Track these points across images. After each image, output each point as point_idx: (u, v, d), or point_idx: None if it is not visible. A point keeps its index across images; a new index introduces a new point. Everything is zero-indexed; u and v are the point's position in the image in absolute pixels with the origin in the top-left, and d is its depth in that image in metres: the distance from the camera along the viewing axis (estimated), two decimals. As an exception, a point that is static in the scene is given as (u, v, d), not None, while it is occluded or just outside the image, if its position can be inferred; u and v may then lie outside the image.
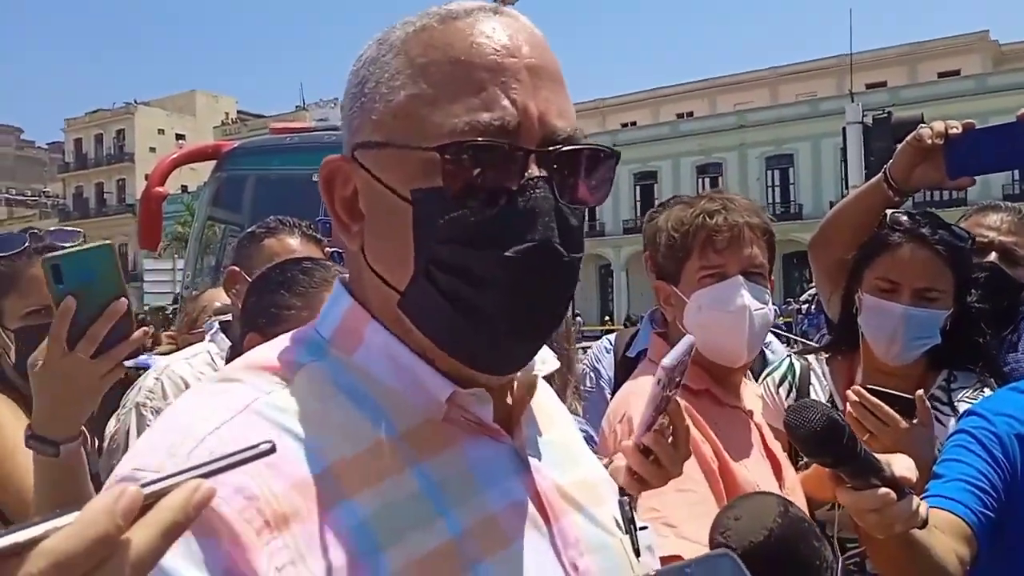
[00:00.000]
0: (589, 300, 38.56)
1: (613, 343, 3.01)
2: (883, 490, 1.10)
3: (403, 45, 0.74)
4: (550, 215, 0.70)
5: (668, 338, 1.72)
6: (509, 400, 0.80)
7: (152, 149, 52.92)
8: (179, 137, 53.63)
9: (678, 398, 1.53)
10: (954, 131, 1.83)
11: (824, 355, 2.03)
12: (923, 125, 1.91)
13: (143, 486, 0.48)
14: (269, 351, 0.77)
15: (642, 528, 0.89)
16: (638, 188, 40.04)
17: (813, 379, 1.99)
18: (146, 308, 9.16)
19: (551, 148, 0.72)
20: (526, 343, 0.76)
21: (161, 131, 57.87)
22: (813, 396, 1.96)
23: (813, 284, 2.24)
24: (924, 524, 1.17)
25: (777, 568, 0.85)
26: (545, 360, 0.83)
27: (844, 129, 10.21)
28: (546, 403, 0.88)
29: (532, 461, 0.78)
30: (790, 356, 2.08)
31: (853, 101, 12.48)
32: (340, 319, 0.77)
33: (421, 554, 0.67)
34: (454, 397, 0.73)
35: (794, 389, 1.97)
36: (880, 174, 1.98)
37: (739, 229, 1.60)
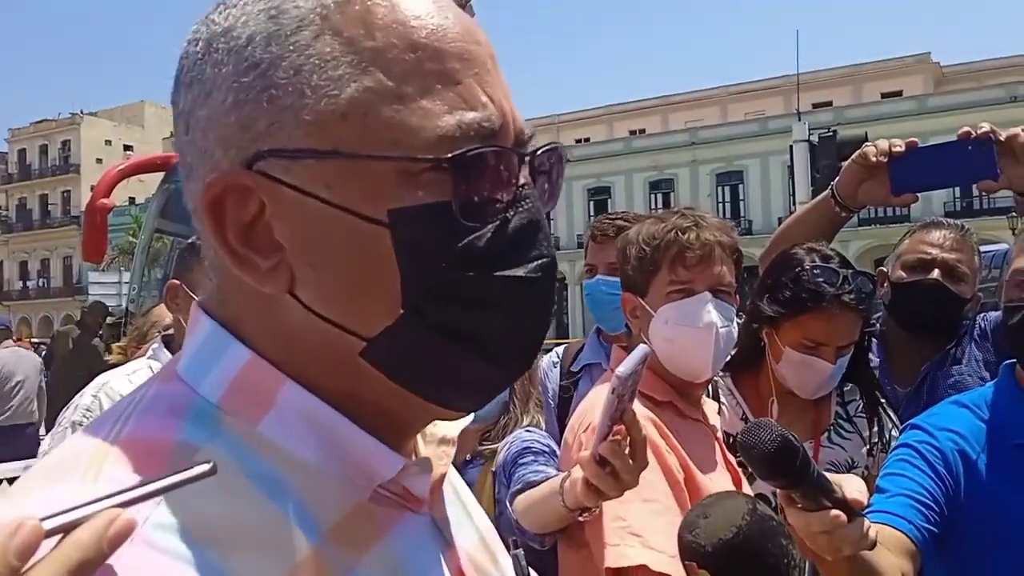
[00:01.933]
0: (544, 314, 38.53)
1: (560, 356, 3.01)
2: (834, 512, 1.09)
3: (325, 22, 0.57)
4: (546, 225, 0.62)
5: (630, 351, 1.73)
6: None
7: (99, 160, 51.74)
8: (127, 148, 52.51)
9: (638, 407, 1.55)
10: (897, 149, 1.89)
11: (725, 374, 2.07)
12: (867, 144, 1.96)
13: (44, 519, 0.40)
14: (142, 428, 0.57)
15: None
16: (592, 203, 40.32)
17: (722, 396, 2.03)
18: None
19: (532, 151, 0.62)
20: (517, 370, 0.66)
21: (108, 142, 56.61)
22: (723, 411, 1.99)
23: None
24: (873, 546, 1.17)
25: (746, 565, 0.85)
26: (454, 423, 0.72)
27: (791, 147, 10.45)
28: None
29: (448, 534, 0.68)
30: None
31: (800, 120, 12.76)
32: (234, 376, 0.59)
33: None
34: (398, 474, 0.60)
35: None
36: (827, 191, 2.03)
37: (710, 247, 1.62)
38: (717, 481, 1.57)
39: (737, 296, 1.71)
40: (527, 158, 0.62)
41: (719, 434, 1.76)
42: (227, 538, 0.52)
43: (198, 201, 0.59)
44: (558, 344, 3.33)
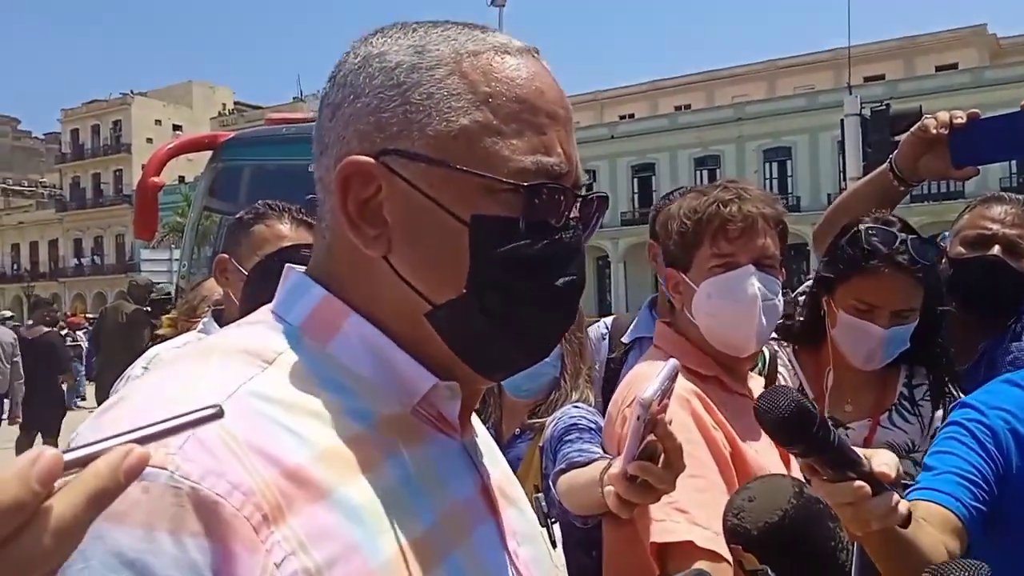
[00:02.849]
0: (587, 292, 38.05)
1: (609, 327, 2.98)
2: (857, 483, 1.08)
3: (456, 65, 0.76)
4: (583, 252, 0.80)
5: (674, 326, 1.72)
6: None
7: (149, 140, 52.74)
8: (176, 128, 53.47)
9: (683, 383, 1.54)
10: (959, 121, 1.83)
11: (788, 345, 2.04)
12: (927, 116, 1.90)
13: (65, 451, 0.45)
14: (242, 335, 0.76)
15: (553, 522, 0.93)
16: (636, 180, 40.01)
17: (780, 367, 2.01)
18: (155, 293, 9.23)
19: (584, 195, 0.80)
20: (537, 358, 0.83)
21: (158, 122, 57.68)
22: (781, 381, 1.98)
23: (810, 277, 2.25)
24: (906, 522, 1.15)
25: (792, 549, 0.84)
26: None
27: (842, 122, 10.20)
28: None
29: (476, 458, 0.83)
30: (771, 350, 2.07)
31: (851, 94, 12.44)
32: (312, 309, 0.77)
33: (408, 542, 0.69)
34: (431, 390, 0.76)
35: (762, 376, 1.97)
36: (885, 164, 1.98)
37: (753, 219, 1.59)
38: (764, 456, 1.55)
39: (783, 270, 1.68)
40: (580, 199, 0.80)
41: None
42: (300, 411, 0.68)
43: (328, 174, 0.77)
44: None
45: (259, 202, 2.35)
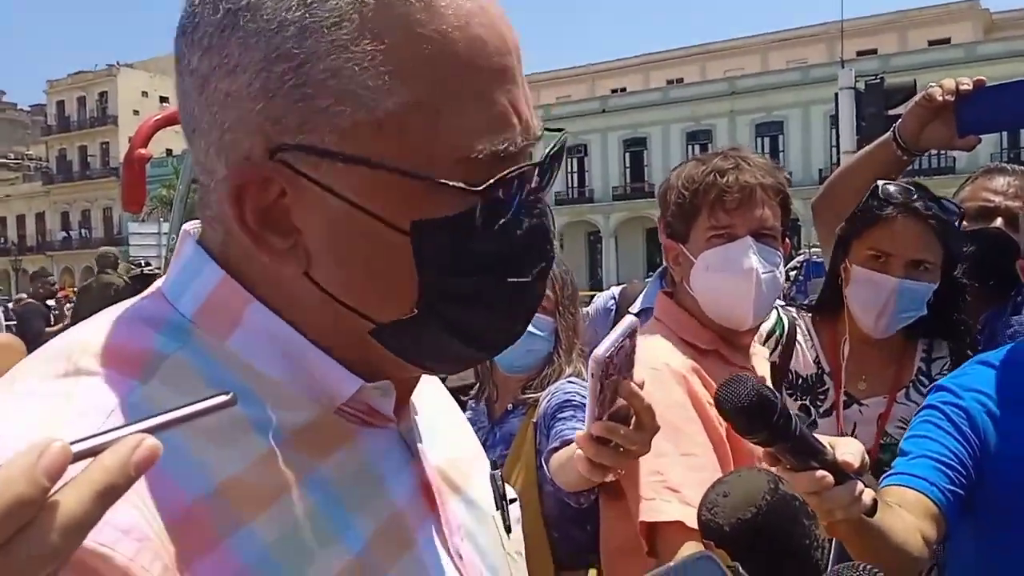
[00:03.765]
0: (578, 267, 38.54)
1: (617, 297, 2.96)
2: (819, 473, 1.06)
3: (362, 19, 0.57)
4: (551, 226, 0.66)
5: (675, 298, 1.70)
6: None
7: (135, 112, 52.21)
8: (163, 100, 52.87)
9: (680, 358, 1.51)
10: (965, 88, 1.80)
11: (808, 314, 2.02)
12: (932, 84, 1.88)
13: (73, 443, 0.41)
14: (119, 334, 0.61)
15: (512, 501, 0.87)
16: (627, 155, 39.89)
17: (799, 335, 1.98)
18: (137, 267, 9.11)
19: (544, 158, 0.65)
20: (501, 350, 0.71)
21: (145, 93, 57.00)
22: (799, 352, 1.96)
23: (801, 252, 2.23)
24: (871, 511, 1.13)
25: (765, 546, 0.83)
26: None
27: (836, 95, 10.16)
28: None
29: (415, 446, 0.72)
30: (778, 309, 2.04)
31: (844, 67, 12.39)
32: (208, 295, 0.63)
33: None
34: (358, 393, 0.64)
35: (781, 344, 1.96)
36: (888, 134, 1.96)
37: (751, 189, 1.55)
38: None
39: (785, 241, 1.65)
40: (540, 165, 0.65)
41: (767, 382, 1.73)
42: (195, 431, 0.52)
43: (209, 161, 0.61)
44: (592, 296, 3.30)
45: None
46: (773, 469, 1.11)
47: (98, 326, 0.62)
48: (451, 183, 0.58)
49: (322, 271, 0.61)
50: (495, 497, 0.83)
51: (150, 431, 0.44)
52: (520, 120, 0.62)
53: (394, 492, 0.68)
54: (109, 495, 0.41)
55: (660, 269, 2.85)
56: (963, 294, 1.92)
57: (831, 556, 0.78)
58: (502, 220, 0.61)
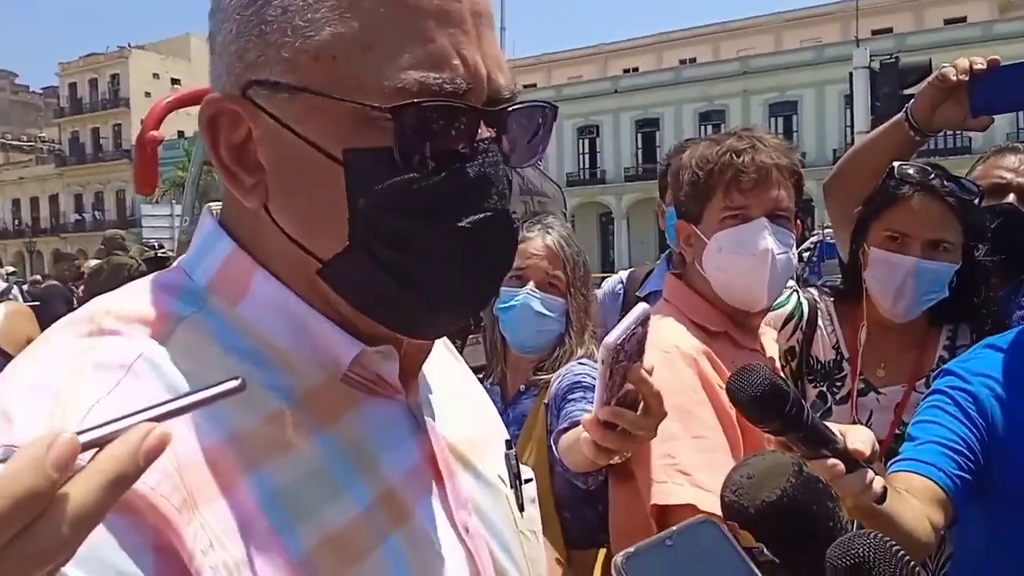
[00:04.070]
0: (590, 248, 38.27)
1: (625, 281, 2.96)
2: (831, 461, 1.07)
3: None
4: (501, 181, 0.65)
5: (685, 279, 1.69)
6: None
7: (147, 94, 52.21)
8: (174, 81, 52.87)
9: (689, 340, 1.51)
10: (979, 67, 1.79)
11: (830, 297, 2.00)
12: (946, 64, 1.86)
13: (80, 433, 0.42)
14: (139, 299, 0.65)
15: (527, 480, 0.88)
16: (640, 135, 39.66)
17: (820, 320, 1.96)
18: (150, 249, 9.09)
19: (500, 108, 0.66)
20: (467, 313, 0.73)
21: (156, 75, 57.01)
22: (820, 336, 1.95)
23: (815, 233, 2.22)
24: (881, 499, 1.14)
25: (789, 528, 0.84)
26: None
27: (851, 74, 10.07)
28: (434, 354, 0.80)
29: (424, 419, 0.74)
30: (796, 292, 2.03)
31: (859, 47, 12.26)
32: (220, 265, 0.68)
33: (334, 530, 0.62)
34: (359, 357, 0.66)
35: (800, 329, 1.94)
36: (901, 115, 1.94)
37: (767, 170, 1.54)
38: None
39: (798, 223, 1.64)
40: (493, 115, 0.65)
41: (777, 365, 1.73)
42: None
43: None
44: (604, 277, 3.30)
45: None
46: None
47: (121, 293, 0.67)
48: (371, 104, 0.60)
49: (275, 204, 0.65)
50: (509, 476, 0.83)
51: (158, 419, 0.44)
52: (466, 65, 0.63)
53: (396, 460, 0.69)
54: (119, 484, 0.42)
55: (667, 252, 2.84)
56: (987, 275, 1.89)
57: None
58: (425, 158, 0.62)
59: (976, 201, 1.81)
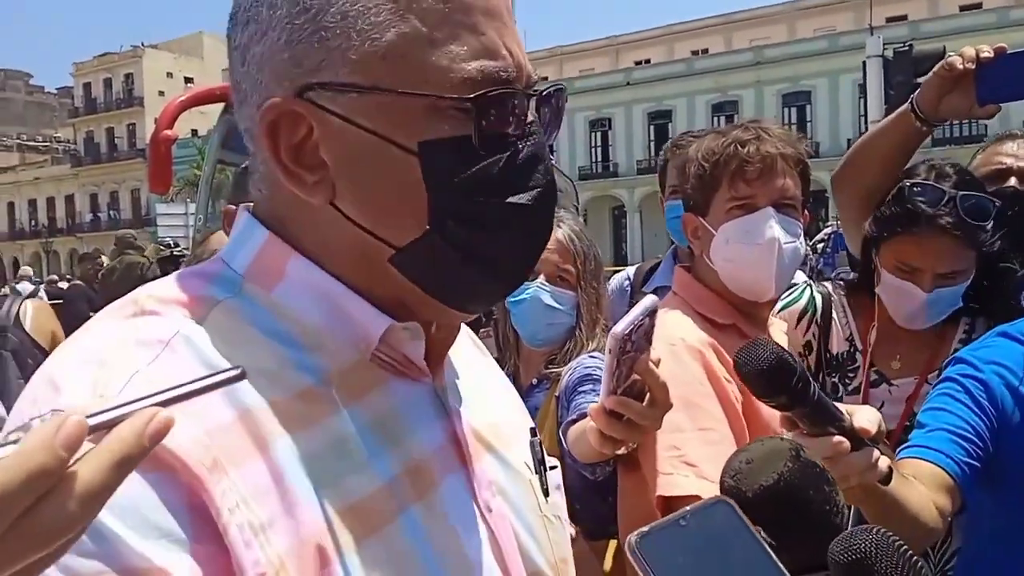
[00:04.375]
0: (602, 242, 38.21)
1: (632, 277, 2.97)
2: (836, 439, 1.07)
3: None
4: (547, 157, 0.72)
5: (694, 272, 1.69)
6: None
7: (161, 93, 52.51)
8: (187, 80, 53.14)
9: (695, 332, 1.52)
10: (985, 55, 1.77)
11: (843, 290, 2.00)
12: (951, 54, 1.84)
13: (89, 416, 0.44)
14: (179, 285, 0.70)
15: (552, 468, 0.90)
16: (652, 127, 39.50)
17: (835, 313, 1.96)
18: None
19: (539, 92, 0.73)
20: (520, 281, 0.78)
21: (170, 74, 57.34)
22: (835, 330, 1.94)
23: (829, 224, 2.20)
24: (887, 479, 1.14)
25: (787, 511, 0.85)
26: None
27: (864, 63, 9.99)
28: (460, 341, 0.84)
29: (450, 403, 0.77)
30: (809, 286, 2.02)
31: (873, 35, 12.16)
32: (255, 253, 0.72)
33: (357, 499, 0.65)
34: (387, 333, 0.70)
35: (815, 323, 1.93)
36: (906, 105, 1.92)
37: (772, 160, 1.54)
38: None
39: (806, 212, 1.64)
40: (534, 98, 0.72)
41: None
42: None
43: (253, 124, 0.69)
44: (616, 271, 3.30)
45: None
46: (790, 434, 1.12)
47: (163, 281, 0.72)
48: (449, 96, 0.65)
49: (345, 199, 0.68)
50: (534, 462, 0.86)
51: (163, 405, 0.46)
52: (511, 56, 0.69)
53: (422, 439, 0.73)
54: (126, 465, 0.44)
55: (673, 247, 2.84)
56: (996, 265, 1.87)
57: (851, 522, 0.80)
58: (498, 141, 0.67)
59: (993, 214, 1.76)
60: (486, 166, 0.67)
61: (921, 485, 1.32)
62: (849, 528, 0.72)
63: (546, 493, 0.86)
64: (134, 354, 0.62)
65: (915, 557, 0.66)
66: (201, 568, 0.56)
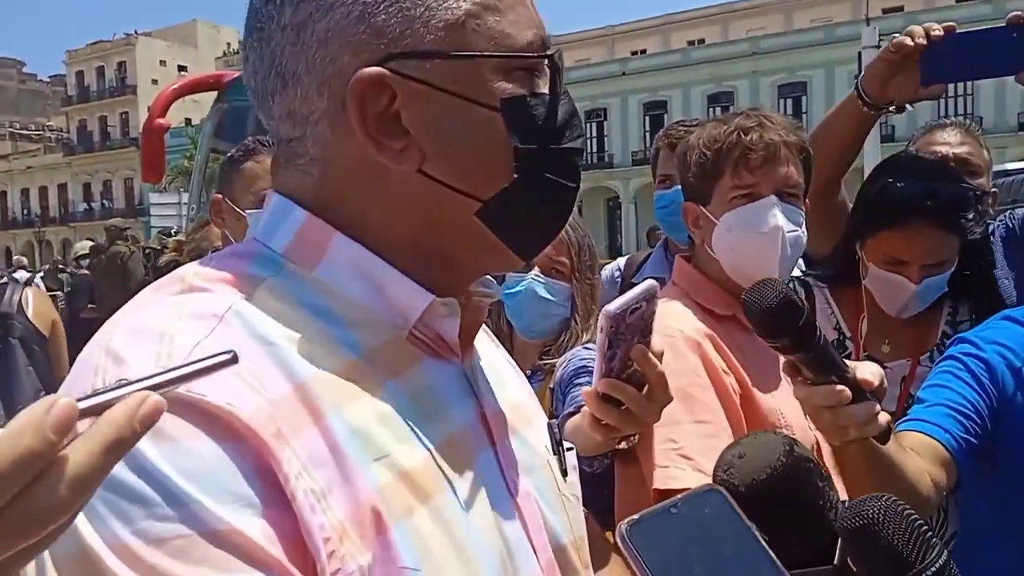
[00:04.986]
0: (597, 234, 38.35)
1: (622, 268, 2.97)
2: (838, 387, 1.08)
3: None
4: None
5: (694, 262, 1.68)
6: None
7: (154, 81, 52.29)
8: (181, 68, 52.88)
9: (693, 323, 1.51)
10: (936, 33, 1.72)
11: (823, 285, 2.01)
12: (897, 34, 1.78)
13: (80, 399, 0.43)
14: (221, 264, 0.72)
15: (568, 449, 0.91)
16: (648, 118, 39.45)
17: (818, 305, 1.97)
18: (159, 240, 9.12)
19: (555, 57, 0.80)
20: (562, 226, 0.84)
21: (163, 63, 57.06)
22: (821, 322, 1.95)
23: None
24: (885, 435, 1.15)
25: (779, 506, 0.85)
26: (495, 286, 0.89)
27: (860, 55, 9.98)
28: (480, 332, 0.88)
29: (475, 384, 0.80)
30: (794, 281, 2.03)
31: (869, 25, 12.15)
32: (296, 232, 0.74)
33: (407, 468, 0.67)
34: (428, 309, 0.73)
35: None
36: (851, 90, 1.87)
37: (775, 147, 1.53)
38: (779, 399, 1.52)
39: (806, 200, 1.63)
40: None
41: None
42: (289, 338, 0.66)
43: (309, 104, 0.72)
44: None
45: (249, 138, 2.31)
46: (793, 382, 1.13)
47: (204, 261, 0.74)
48: (524, 55, 0.73)
49: (432, 163, 0.72)
50: (552, 444, 0.90)
51: (153, 389, 0.45)
52: (543, 27, 0.76)
53: (455, 416, 0.76)
54: (117, 448, 0.43)
55: (663, 239, 2.83)
56: (985, 263, 1.91)
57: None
58: (557, 94, 0.75)
59: (977, 206, 1.77)
60: (554, 116, 0.74)
61: (918, 456, 1.33)
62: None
63: (564, 473, 0.88)
64: (192, 327, 0.64)
65: (922, 524, 0.66)
66: (274, 530, 0.59)
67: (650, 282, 1.11)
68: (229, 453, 0.59)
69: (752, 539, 0.67)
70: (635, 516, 0.65)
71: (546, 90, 0.75)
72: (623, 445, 1.34)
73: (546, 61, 0.75)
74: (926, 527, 0.66)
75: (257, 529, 0.58)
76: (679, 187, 2.53)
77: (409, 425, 0.70)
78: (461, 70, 0.71)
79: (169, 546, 0.55)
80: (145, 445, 0.55)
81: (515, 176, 0.73)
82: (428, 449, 0.70)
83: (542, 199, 0.76)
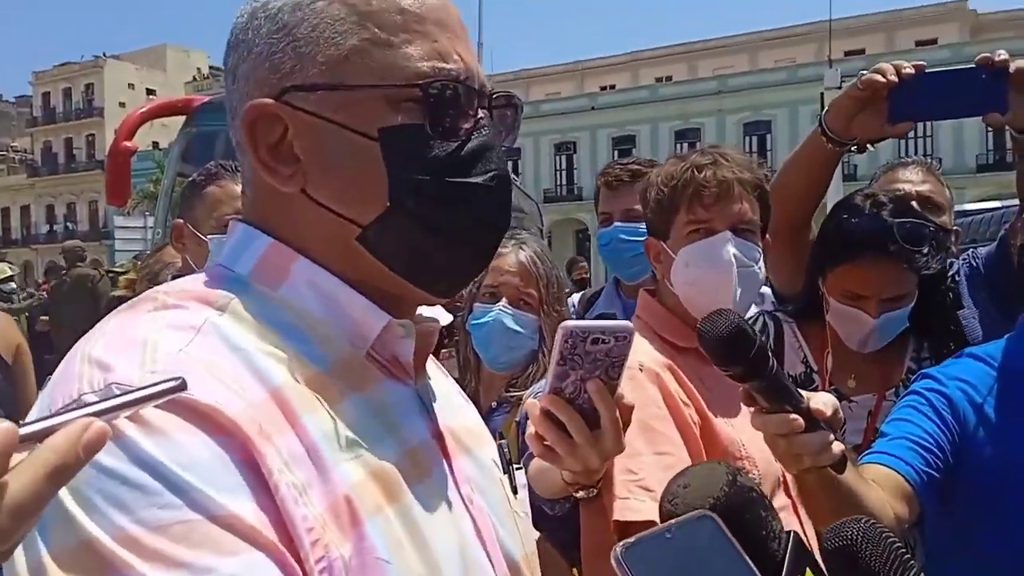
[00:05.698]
0: (564, 265, 38.50)
1: (577, 304, 2.99)
2: (792, 416, 1.11)
3: None
4: (500, 147, 0.81)
5: (657, 296, 1.70)
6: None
7: (122, 104, 51.79)
8: (150, 92, 52.47)
9: (652, 354, 1.51)
10: (907, 72, 1.72)
11: (789, 319, 2.03)
12: (866, 71, 1.78)
13: (22, 425, 0.43)
14: (190, 286, 0.77)
15: (518, 468, 0.93)
16: (616, 152, 39.78)
17: (787, 339, 1.99)
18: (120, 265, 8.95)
19: (491, 95, 0.82)
20: (480, 265, 0.86)
21: (131, 86, 56.58)
22: (789, 356, 1.98)
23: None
24: (841, 464, 1.16)
25: None
26: (442, 313, 0.92)
27: (822, 95, 10.24)
28: (429, 362, 0.92)
29: (429, 403, 0.84)
30: (763, 315, 2.06)
31: (832, 67, 12.46)
32: (259, 256, 0.79)
33: (375, 467, 0.72)
34: (385, 330, 0.77)
35: (769, 348, 1.97)
36: (815, 126, 1.87)
37: (728, 184, 1.57)
38: (740, 428, 1.53)
39: (766, 237, 1.66)
40: (487, 100, 0.81)
41: None
42: (260, 350, 0.71)
43: (240, 134, 0.78)
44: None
45: (211, 163, 2.30)
46: (750, 410, 1.15)
47: (173, 283, 0.78)
48: (402, 85, 0.75)
49: (315, 185, 0.77)
50: (502, 463, 0.94)
51: (97, 415, 0.45)
52: (463, 61, 0.78)
53: (411, 431, 0.79)
54: (60, 475, 0.43)
55: (613, 277, 2.85)
56: (945, 297, 1.94)
57: (789, 549, 0.80)
58: (449, 130, 0.76)
59: (934, 244, 1.78)
60: (438, 149, 0.76)
61: (880, 489, 1.34)
62: (787, 558, 0.73)
63: (514, 491, 0.93)
64: (172, 336, 0.67)
65: (901, 547, 0.67)
66: (265, 517, 0.62)
67: (626, 323, 1.05)
68: (219, 446, 0.62)
69: (744, 566, 0.67)
70: (630, 539, 0.66)
71: (450, 123, 0.76)
72: (581, 494, 1.32)
73: (432, 89, 0.75)
74: (904, 550, 0.67)
75: (251, 514, 0.62)
76: (617, 224, 2.58)
77: (376, 432, 0.74)
78: (344, 101, 0.75)
79: (171, 532, 0.58)
80: (140, 439, 0.59)
81: (387, 204, 0.76)
82: (395, 456, 0.74)
83: (426, 231, 0.77)
